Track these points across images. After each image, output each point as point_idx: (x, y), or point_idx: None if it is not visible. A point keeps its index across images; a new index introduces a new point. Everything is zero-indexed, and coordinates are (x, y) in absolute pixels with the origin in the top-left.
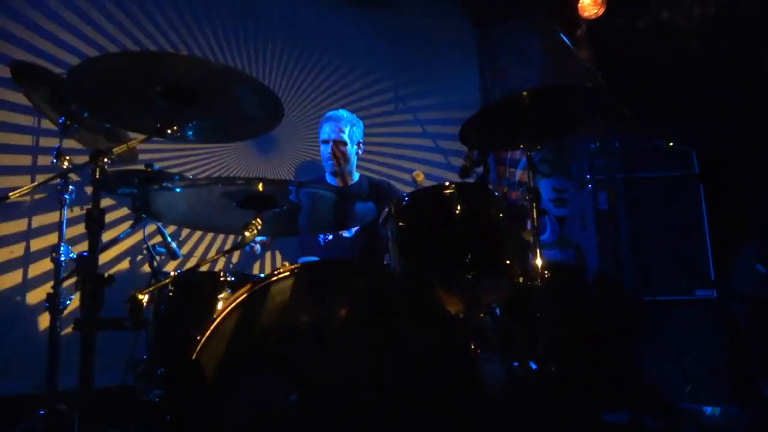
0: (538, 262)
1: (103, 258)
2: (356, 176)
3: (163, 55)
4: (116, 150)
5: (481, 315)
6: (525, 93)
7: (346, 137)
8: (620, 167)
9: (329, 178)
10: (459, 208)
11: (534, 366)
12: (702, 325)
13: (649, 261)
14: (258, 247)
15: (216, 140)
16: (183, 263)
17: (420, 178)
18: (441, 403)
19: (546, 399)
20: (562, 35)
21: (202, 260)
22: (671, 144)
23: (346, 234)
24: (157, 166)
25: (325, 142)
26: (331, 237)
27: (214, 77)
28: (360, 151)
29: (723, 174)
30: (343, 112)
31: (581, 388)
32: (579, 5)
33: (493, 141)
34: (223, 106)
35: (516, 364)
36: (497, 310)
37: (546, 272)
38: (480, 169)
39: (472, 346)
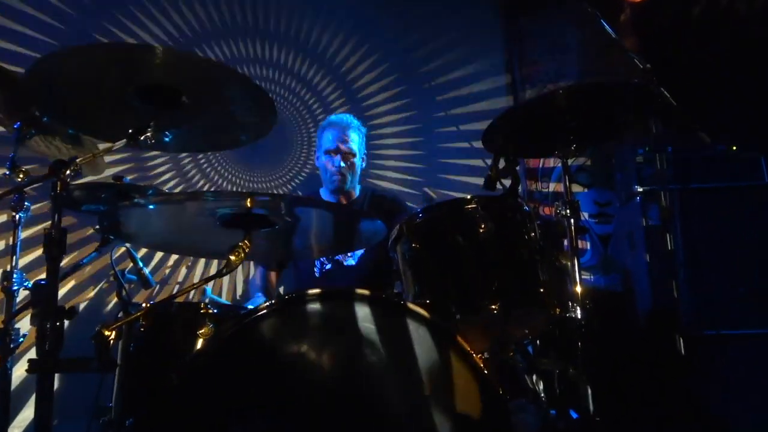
0: (578, 289)
1: (64, 287)
2: (358, 190)
3: (137, 49)
4: (81, 160)
5: (511, 354)
6: (561, 91)
7: (355, 147)
8: (674, 176)
9: (325, 194)
10: (483, 226)
11: (575, 415)
12: None
13: (710, 287)
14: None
15: (198, 149)
16: (157, 293)
17: None
18: None
19: None
20: (603, 22)
21: (179, 290)
22: (735, 149)
23: (348, 262)
24: (128, 178)
25: (331, 152)
26: (329, 266)
27: (197, 75)
28: (364, 164)
29: None
30: (349, 117)
31: None
32: None
33: (522, 146)
34: (207, 108)
35: (553, 412)
36: (530, 348)
37: (587, 302)
38: (508, 180)
39: (501, 392)
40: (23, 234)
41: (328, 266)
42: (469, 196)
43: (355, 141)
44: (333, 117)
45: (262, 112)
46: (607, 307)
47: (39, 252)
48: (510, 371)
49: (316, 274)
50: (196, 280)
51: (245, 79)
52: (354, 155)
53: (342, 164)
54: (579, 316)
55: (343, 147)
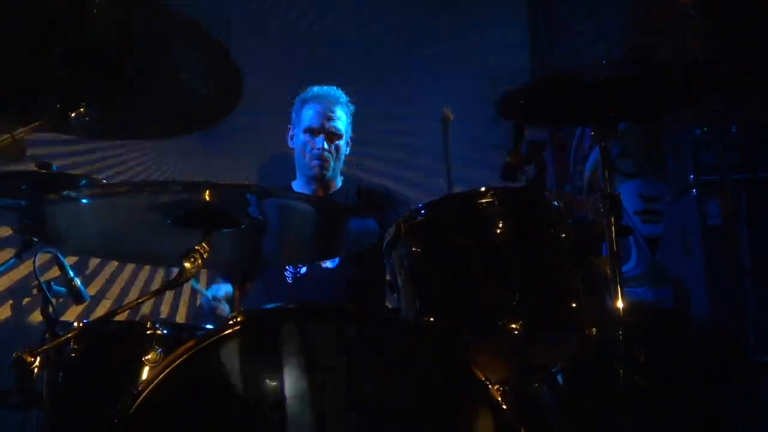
0: (620, 304)
1: None
2: (339, 181)
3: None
4: None
5: (536, 384)
6: (604, 62)
7: (342, 127)
8: (739, 164)
9: (299, 185)
10: (501, 225)
11: None
12: None
13: None
14: (225, 307)
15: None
16: (92, 309)
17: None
18: None
19: None
20: None
21: (119, 305)
22: None
23: (326, 264)
24: (56, 166)
25: (312, 131)
26: (304, 270)
27: (143, 34)
28: (348, 149)
29: None
30: (336, 91)
31: None
32: None
33: (549, 119)
34: (155, 77)
35: None
36: (559, 377)
37: (631, 320)
38: (532, 168)
39: (523, 431)
40: None
41: (303, 270)
42: (483, 189)
43: (342, 120)
44: (316, 89)
45: (224, 83)
46: (656, 326)
47: None
48: (535, 407)
49: (289, 280)
50: (140, 293)
51: (202, 37)
52: (340, 137)
53: (326, 145)
54: (621, 338)
55: (327, 125)
